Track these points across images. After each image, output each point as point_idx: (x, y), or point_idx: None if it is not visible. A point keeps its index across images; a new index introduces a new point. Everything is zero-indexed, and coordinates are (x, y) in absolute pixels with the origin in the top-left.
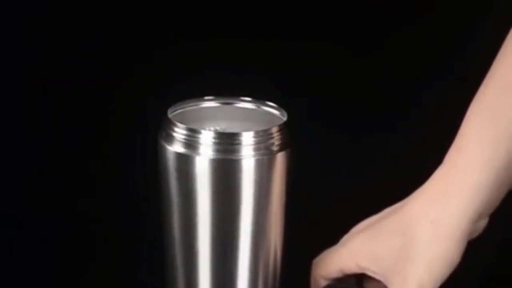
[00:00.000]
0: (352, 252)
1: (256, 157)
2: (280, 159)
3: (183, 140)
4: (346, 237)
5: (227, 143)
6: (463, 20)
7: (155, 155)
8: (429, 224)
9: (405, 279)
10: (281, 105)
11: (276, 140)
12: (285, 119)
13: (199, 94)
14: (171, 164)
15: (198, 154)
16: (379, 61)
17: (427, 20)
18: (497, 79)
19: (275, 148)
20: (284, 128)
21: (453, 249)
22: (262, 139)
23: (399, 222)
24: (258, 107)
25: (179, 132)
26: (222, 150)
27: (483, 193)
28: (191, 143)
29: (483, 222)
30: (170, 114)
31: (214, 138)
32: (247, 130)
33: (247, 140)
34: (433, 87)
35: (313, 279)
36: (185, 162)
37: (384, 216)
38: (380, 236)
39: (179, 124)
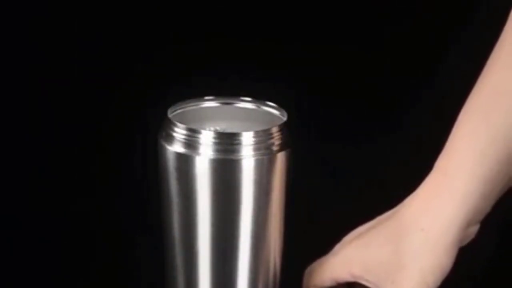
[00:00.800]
0: (345, 261)
1: (256, 157)
2: (280, 159)
3: (183, 140)
4: (338, 246)
5: (227, 143)
6: (463, 20)
7: (155, 155)
8: (419, 232)
9: (398, 287)
10: (281, 105)
11: (276, 140)
12: (285, 119)
13: (199, 94)
14: (171, 164)
15: (198, 154)
16: (379, 61)
17: (427, 20)
18: (490, 82)
19: (275, 148)
20: (284, 128)
21: (445, 256)
22: (262, 139)
23: (391, 230)
24: (258, 107)
25: (179, 132)
26: (222, 150)
27: (472, 202)
28: (191, 143)
29: (474, 229)
30: (170, 114)
31: (214, 138)
32: (247, 130)
33: (247, 140)
34: (433, 87)
35: None
36: (185, 162)
37: (376, 224)
38: (372, 245)
39: (179, 124)
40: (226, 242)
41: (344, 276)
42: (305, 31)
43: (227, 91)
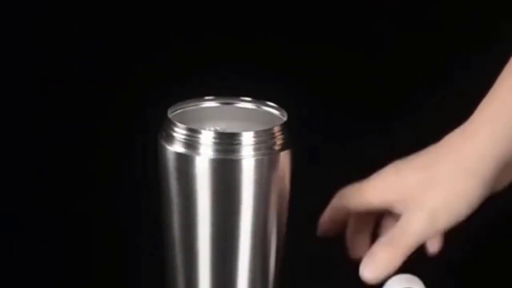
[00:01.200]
0: (380, 188)
1: (256, 157)
2: (280, 159)
3: (183, 140)
4: (375, 175)
5: (227, 143)
6: (463, 20)
7: (155, 155)
8: (452, 162)
9: (421, 205)
10: (281, 105)
11: (276, 140)
12: (285, 119)
13: (199, 94)
14: (171, 164)
15: (198, 154)
16: (379, 61)
17: (428, 20)
18: None
19: (275, 148)
20: (284, 128)
21: (472, 189)
22: (262, 139)
23: (426, 159)
24: (258, 107)
25: (179, 132)
26: (222, 150)
27: (504, 144)
28: (191, 143)
29: (505, 182)
30: (170, 114)
31: (214, 138)
32: (247, 130)
33: (247, 140)
34: (433, 87)
35: (334, 209)
36: (185, 162)
37: (414, 156)
38: (408, 172)
39: (179, 124)
40: (226, 242)
41: (379, 202)
42: (305, 31)
43: (227, 91)
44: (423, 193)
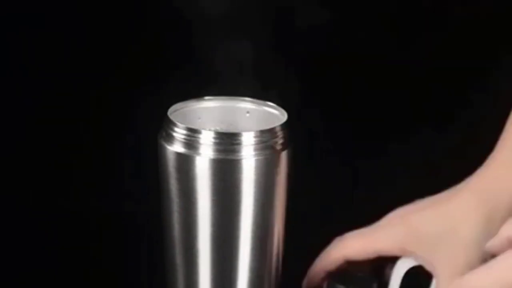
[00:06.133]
0: (395, 235)
1: (256, 157)
2: (280, 159)
3: (183, 140)
4: (385, 220)
5: (227, 143)
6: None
7: (155, 155)
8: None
9: (455, 264)
10: (281, 105)
11: (276, 140)
12: (285, 119)
13: (199, 94)
14: (171, 164)
15: (198, 154)
16: (380, 60)
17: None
18: None
19: (275, 148)
20: (284, 128)
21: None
22: (262, 139)
23: (447, 211)
24: (258, 107)
25: (179, 132)
26: (222, 150)
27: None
28: (191, 143)
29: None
30: (170, 114)
31: (214, 138)
32: (247, 130)
33: (247, 140)
34: (429, 87)
35: (329, 258)
36: (185, 162)
37: (428, 204)
38: (428, 222)
39: (179, 124)
40: (226, 242)
41: (392, 250)
42: (305, 31)
43: (227, 91)
44: (451, 245)
